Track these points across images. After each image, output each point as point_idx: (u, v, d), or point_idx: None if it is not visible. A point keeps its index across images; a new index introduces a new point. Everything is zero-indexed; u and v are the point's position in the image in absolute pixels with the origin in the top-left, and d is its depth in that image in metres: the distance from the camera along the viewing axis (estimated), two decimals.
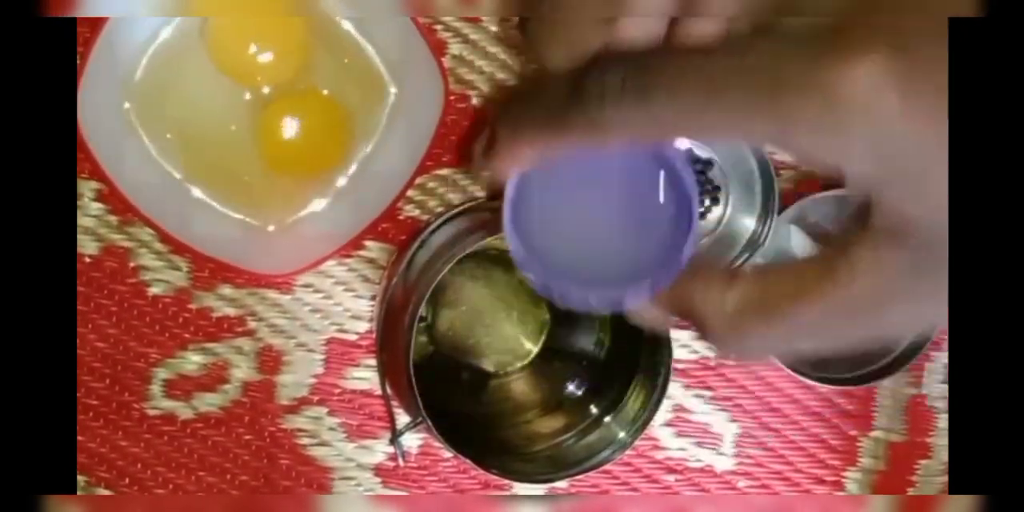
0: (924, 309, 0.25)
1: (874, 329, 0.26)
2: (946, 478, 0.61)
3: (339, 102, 0.56)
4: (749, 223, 0.59)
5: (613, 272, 0.32)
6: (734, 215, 0.60)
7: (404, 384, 0.45)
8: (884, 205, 0.24)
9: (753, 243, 0.59)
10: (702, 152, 0.59)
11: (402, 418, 0.55)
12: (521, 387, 0.57)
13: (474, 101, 0.58)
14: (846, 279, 0.25)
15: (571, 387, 0.55)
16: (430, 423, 0.44)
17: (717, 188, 0.59)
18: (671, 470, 0.60)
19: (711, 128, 0.24)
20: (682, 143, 0.58)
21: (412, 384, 0.44)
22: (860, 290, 0.25)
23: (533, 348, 0.58)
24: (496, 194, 0.41)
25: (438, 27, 0.57)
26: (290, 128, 0.55)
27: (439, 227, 0.50)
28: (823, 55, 0.22)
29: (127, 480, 0.58)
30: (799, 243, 0.59)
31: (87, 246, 0.57)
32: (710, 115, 0.24)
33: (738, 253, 0.59)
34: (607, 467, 0.49)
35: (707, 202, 0.59)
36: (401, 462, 0.47)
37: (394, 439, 0.47)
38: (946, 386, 0.61)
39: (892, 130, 0.22)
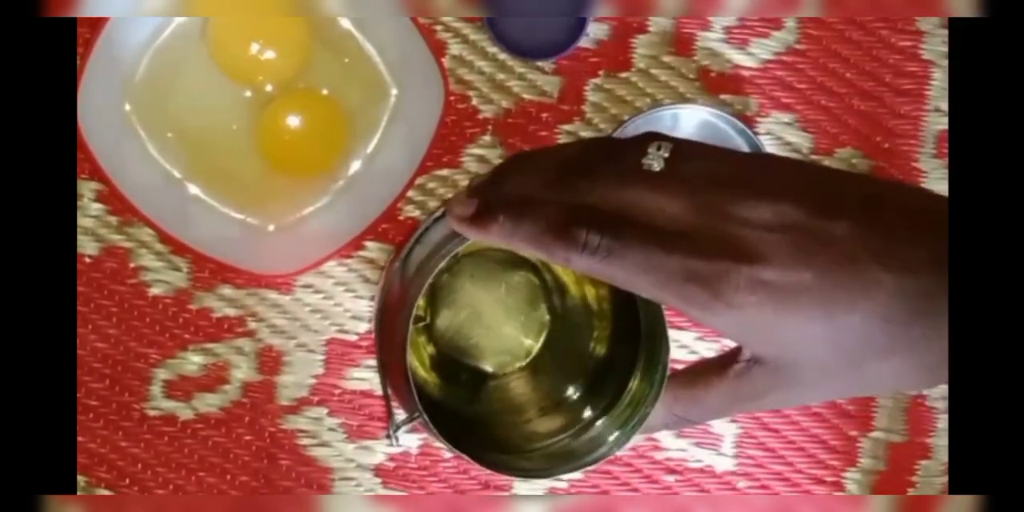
0: (791, 398, 0.35)
1: (763, 408, 0.37)
2: (946, 478, 0.61)
3: (339, 102, 0.56)
4: None
5: None
6: None
7: (402, 382, 0.45)
8: (747, 348, 0.35)
9: None
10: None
11: (402, 418, 0.55)
12: (520, 387, 0.57)
13: (474, 101, 0.58)
14: (733, 385, 0.36)
15: (571, 387, 0.55)
16: (426, 418, 0.44)
17: None
18: (671, 470, 0.60)
19: (645, 291, 0.33)
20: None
21: (409, 380, 0.44)
22: (743, 390, 0.36)
23: (532, 348, 0.58)
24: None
25: (438, 27, 0.57)
26: (290, 128, 0.55)
27: (435, 223, 0.50)
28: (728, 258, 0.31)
29: (127, 480, 0.58)
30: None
31: (87, 247, 0.57)
32: (645, 287, 0.33)
33: None
34: (607, 467, 0.49)
35: None
36: (395, 441, 0.47)
37: (391, 434, 0.47)
38: (946, 386, 0.61)
39: (752, 322, 0.32)
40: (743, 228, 0.31)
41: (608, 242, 0.32)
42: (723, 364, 0.36)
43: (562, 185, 0.34)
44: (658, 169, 0.32)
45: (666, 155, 0.33)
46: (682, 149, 0.33)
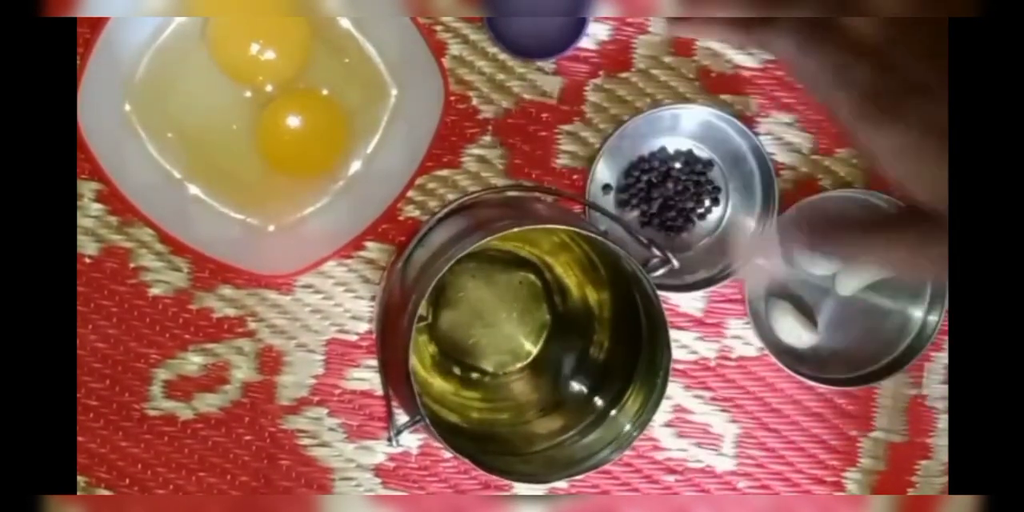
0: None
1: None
2: (946, 478, 0.61)
3: (339, 102, 0.56)
4: (749, 223, 0.59)
5: None
6: (734, 216, 0.60)
7: (403, 383, 0.45)
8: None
9: None
10: (702, 153, 0.59)
11: (402, 418, 0.55)
12: (521, 387, 0.57)
13: (474, 101, 0.58)
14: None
15: (570, 388, 0.55)
16: (428, 422, 0.44)
17: (717, 189, 0.59)
18: (671, 470, 0.60)
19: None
20: (682, 143, 0.58)
21: (411, 383, 0.44)
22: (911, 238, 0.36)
23: (533, 349, 0.58)
24: None
25: (438, 27, 0.57)
26: (290, 128, 0.55)
27: (436, 225, 0.50)
28: None
29: (127, 480, 0.58)
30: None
31: (87, 247, 0.57)
32: None
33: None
34: (607, 467, 0.49)
35: (707, 203, 0.59)
36: (395, 443, 0.47)
37: (392, 437, 0.47)
38: (946, 386, 0.61)
39: None
40: None
41: None
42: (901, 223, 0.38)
43: None
44: None
45: None
46: None
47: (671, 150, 0.59)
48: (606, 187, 0.59)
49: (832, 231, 0.40)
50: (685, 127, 0.58)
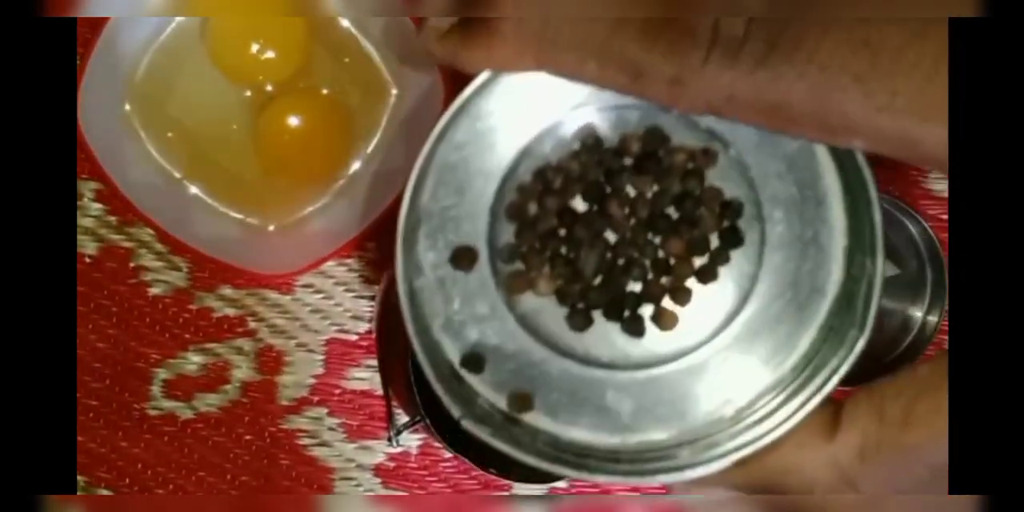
0: None
1: None
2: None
3: (339, 102, 0.56)
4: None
5: None
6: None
7: (404, 384, 0.45)
8: None
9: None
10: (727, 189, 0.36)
11: (402, 418, 0.55)
12: None
13: None
14: None
15: None
16: (428, 422, 0.44)
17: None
18: None
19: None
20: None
21: (412, 384, 0.44)
22: None
23: None
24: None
25: None
26: (290, 128, 0.55)
27: None
28: None
29: (127, 480, 0.58)
30: None
31: (87, 246, 0.57)
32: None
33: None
34: None
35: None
36: (395, 443, 0.47)
37: (392, 437, 0.47)
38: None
39: None
40: None
41: (764, 24, 0.27)
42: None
43: None
44: None
45: None
46: None
47: None
48: None
49: None
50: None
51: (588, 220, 0.34)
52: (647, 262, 0.34)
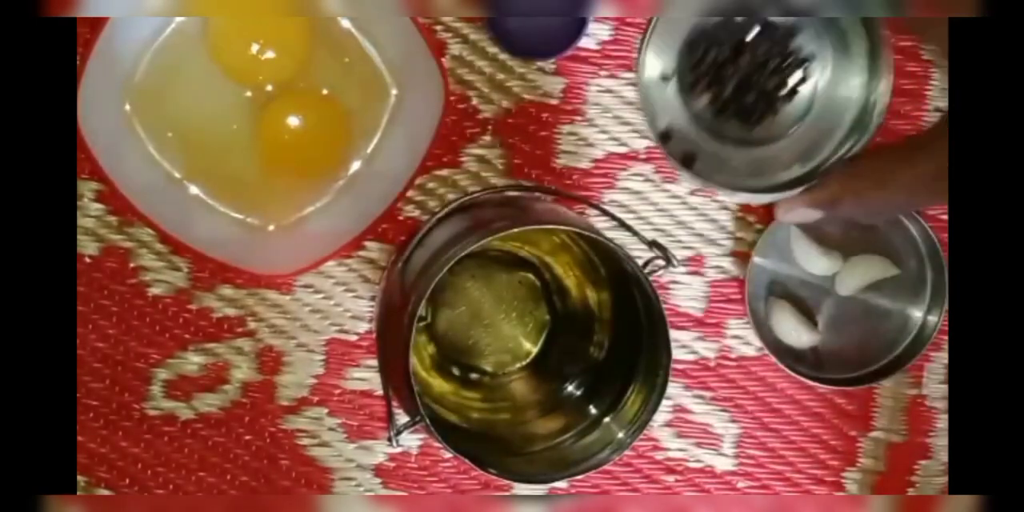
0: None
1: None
2: (946, 478, 0.61)
3: (339, 102, 0.56)
4: (852, 92, 0.52)
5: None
6: (830, 90, 0.53)
7: (403, 384, 0.45)
8: None
9: (862, 122, 0.53)
10: (779, 19, 0.52)
11: (402, 418, 0.55)
12: (520, 388, 0.57)
13: (474, 101, 0.58)
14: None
15: (570, 388, 0.55)
16: (428, 422, 0.44)
17: (805, 60, 0.52)
18: (671, 470, 0.60)
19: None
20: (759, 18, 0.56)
21: (411, 384, 0.44)
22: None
23: (532, 349, 0.58)
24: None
25: (438, 27, 0.57)
26: (290, 128, 0.55)
27: (436, 225, 0.50)
28: None
29: (127, 480, 0.58)
30: (802, 248, 0.58)
31: (87, 246, 0.57)
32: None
33: (845, 134, 0.54)
34: (607, 467, 0.49)
35: (796, 77, 0.51)
36: (395, 443, 0.47)
37: (392, 437, 0.47)
38: (946, 386, 0.61)
39: None
40: None
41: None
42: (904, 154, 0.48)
43: None
44: None
45: None
46: None
47: (739, 17, 0.52)
48: (664, 77, 0.53)
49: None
50: None
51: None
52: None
